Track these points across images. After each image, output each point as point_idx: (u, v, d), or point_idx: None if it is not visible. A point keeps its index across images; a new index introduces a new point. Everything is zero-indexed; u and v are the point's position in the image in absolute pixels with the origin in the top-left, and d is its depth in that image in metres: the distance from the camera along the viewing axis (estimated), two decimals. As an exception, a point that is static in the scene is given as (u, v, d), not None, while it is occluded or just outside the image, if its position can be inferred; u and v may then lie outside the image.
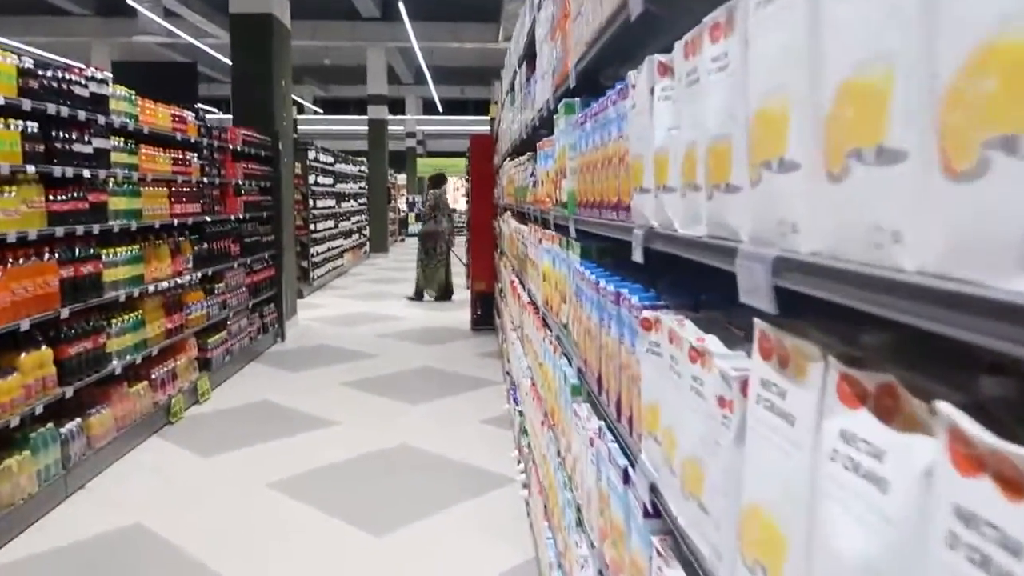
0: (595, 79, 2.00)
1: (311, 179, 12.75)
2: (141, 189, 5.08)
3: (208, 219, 6.34)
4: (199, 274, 6.13)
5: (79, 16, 17.51)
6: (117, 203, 4.75)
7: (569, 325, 2.05)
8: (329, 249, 14.06)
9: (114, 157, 4.73)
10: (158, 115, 5.42)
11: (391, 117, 22.82)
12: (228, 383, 6.68)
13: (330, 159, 14.57)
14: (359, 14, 17.99)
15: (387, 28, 18.70)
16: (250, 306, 7.55)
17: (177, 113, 5.77)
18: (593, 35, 1.50)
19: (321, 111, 29.67)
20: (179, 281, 5.71)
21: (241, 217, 7.26)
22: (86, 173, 4.35)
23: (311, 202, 12.68)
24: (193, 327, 6.01)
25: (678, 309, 1.15)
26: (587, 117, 1.66)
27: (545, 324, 2.64)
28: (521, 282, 3.98)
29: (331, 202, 14.30)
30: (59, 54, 19.05)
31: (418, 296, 11.58)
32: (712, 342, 0.91)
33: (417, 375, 7.07)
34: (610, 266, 1.80)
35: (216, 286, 6.58)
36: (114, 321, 4.72)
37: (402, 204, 29.13)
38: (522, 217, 4.32)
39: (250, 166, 7.64)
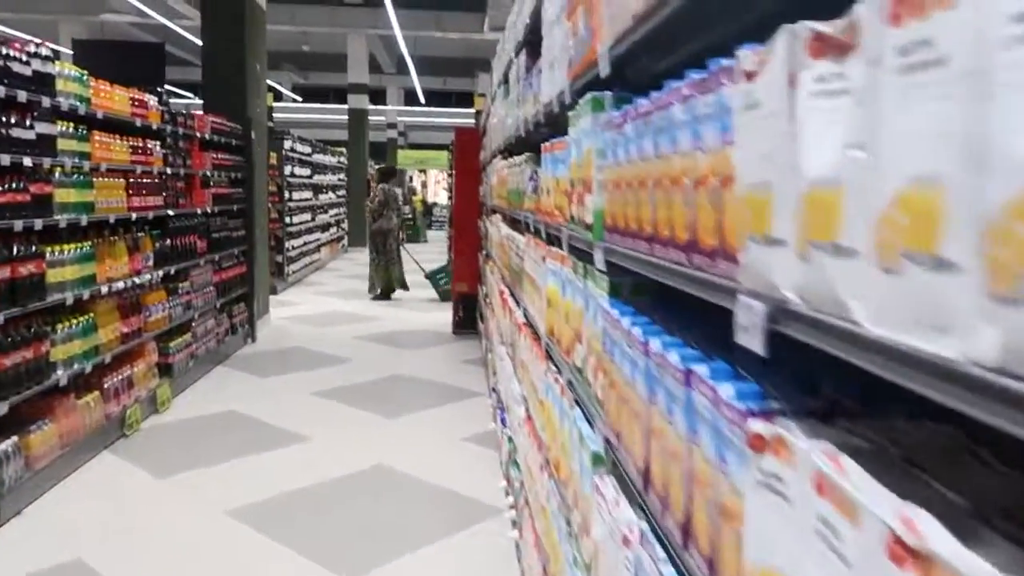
0: (622, 72, 1.60)
1: (287, 170, 12.24)
2: (93, 180, 4.61)
3: (171, 213, 5.86)
4: (160, 273, 5.66)
5: (46, -6, 16.82)
6: (64, 195, 4.27)
7: (587, 373, 1.65)
8: (305, 243, 13.56)
9: (61, 144, 4.25)
10: (114, 99, 4.94)
11: (372, 107, 22.27)
12: (192, 390, 6.22)
13: (307, 149, 14.06)
14: None
15: (369, 14, 18.17)
16: (218, 306, 7.08)
17: (137, 97, 5.28)
18: (648, 6, 1.10)
19: (300, 99, 28.99)
20: (137, 281, 5.24)
21: (209, 211, 6.78)
22: (27, 161, 3.87)
23: (287, 194, 12.18)
24: (153, 331, 5.54)
25: (801, 415, 0.75)
26: (630, 117, 1.26)
27: (549, 357, 2.25)
28: (514, 296, 3.58)
29: (308, 194, 13.79)
30: (27, 32, 18.33)
31: (384, 295, 11.15)
32: (924, 522, 0.51)
33: (395, 383, 6.64)
34: (644, 307, 1.40)
35: (180, 285, 6.11)
36: (60, 326, 4.26)
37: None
38: (515, 223, 3.92)
39: (220, 156, 7.16)
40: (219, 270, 7.15)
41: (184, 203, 6.18)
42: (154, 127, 5.57)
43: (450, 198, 13.28)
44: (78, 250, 4.41)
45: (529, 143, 3.39)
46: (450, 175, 13.51)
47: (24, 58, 3.90)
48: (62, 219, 4.24)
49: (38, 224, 3.98)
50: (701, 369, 0.90)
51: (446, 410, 5.83)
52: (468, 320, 8.84)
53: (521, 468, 3.02)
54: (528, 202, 2.85)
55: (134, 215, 5.18)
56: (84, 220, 4.47)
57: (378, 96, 28.26)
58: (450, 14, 18.06)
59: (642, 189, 1.18)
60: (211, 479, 4.40)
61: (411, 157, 31.88)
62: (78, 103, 4.43)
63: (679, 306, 1.46)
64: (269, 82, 24.43)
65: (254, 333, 8.14)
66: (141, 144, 5.35)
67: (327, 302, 10.98)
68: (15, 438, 3.84)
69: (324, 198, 15.67)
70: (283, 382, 6.59)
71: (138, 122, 5.27)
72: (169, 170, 5.81)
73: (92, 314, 4.64)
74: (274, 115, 20.74)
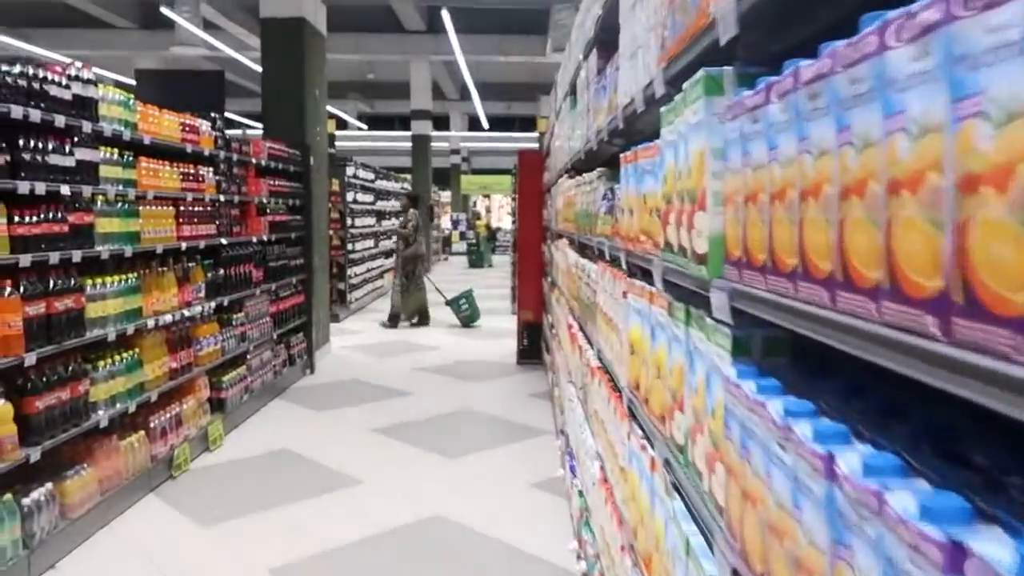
0: (733, 49, 1.18)
1: (350, 196, 12.12)
2: (140, 208, 4.39)
3: (225, 241, 5.64)
4: (213, 304, 5.43)
5: (122, 29, 17.35)
6: (107, 225, 4.05)
7: (694, 458, 1.22)
8: (368, 270, 13.40)
9: (104, 171, 4.04)
10: (163, 124, 4.74)
11: (435, 133, 22.25)
12: (246, 425, 5.96)
13: (370, 175, 13.95)
14: (403, 27, 17.48)
15: (432, 41, 18.14)
16: (275, 337, 6.84)
17: (188, 122, 5.09)
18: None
19: (365, 127, 29.30)
20: (187, 313, 5.00)
21: (265, 239, 6.57)
22: (65, 190, 3.65)
23: (349, 220, 12.03)
24: (204, 365, 5.30)
25: None
26: (777, 93, 0.83)
27: (632, 416, 1.81)
28: (584, 332, 3.15)
29: (371, 220, 13.66)
30: (102, 67, 18.94)
31: (393, 322, 10.80)
32: None
33: (456, 419, 6.26)
34: (781, 371, 0.97)
35: (234, 317, 5.87)
36: (100, 364, 4.01)
37: (446, 222, 28.55)
38: (584, 249, 3.50)
39: (277, 182, 6.96)
40: (276, 300, 6.92)
41: (239, 231, 5.97)
42: (206, 153, 5.37)
43: (514, 222, 12.95)
44: (122, 282, 4.19)
45: (599, 158, 2.98)
46: (514, 199, 13.19)
47: (63, 81, 3.70)
48: (104, 250, 4.01)
49: (76, 256, 3.75)
50: (990, 551, 0.46)
51: (510, 450, 5.41)
52: (533, 350, 8.43)
53: (596, 536, 2.57)
54: (602, 225, 2.43)
55: (184, 244, 4.96)
56: (129, 251, 4.24)
57: (442, 122, 28.35)
58: (512, 38, 17.89)
59: (811, 202, 0.75)
60: (257, 529, 4.07)
61: (474, 182, 31.85)
62: (123, 128, 4.22)
63: (815, 364, 1.02)
64: (335, 110, 24.80)
65: (313, 364, 7.89)
66: (192, 171, 5.15)
67: (389, 330, 10.72)
68: (49, 485, 3.58)
69: (387, 224, 15.54)
70: (340, 417, 6.28)
71: (189, 148, 5.07)
72: (222, 197, 5.60)
73: (137, 349, 4.40)
74: (339, 143, 20.92)
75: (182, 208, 4.97)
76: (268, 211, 6.70)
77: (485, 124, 28.20)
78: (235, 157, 5.90)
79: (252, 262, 6.19)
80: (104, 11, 16.21)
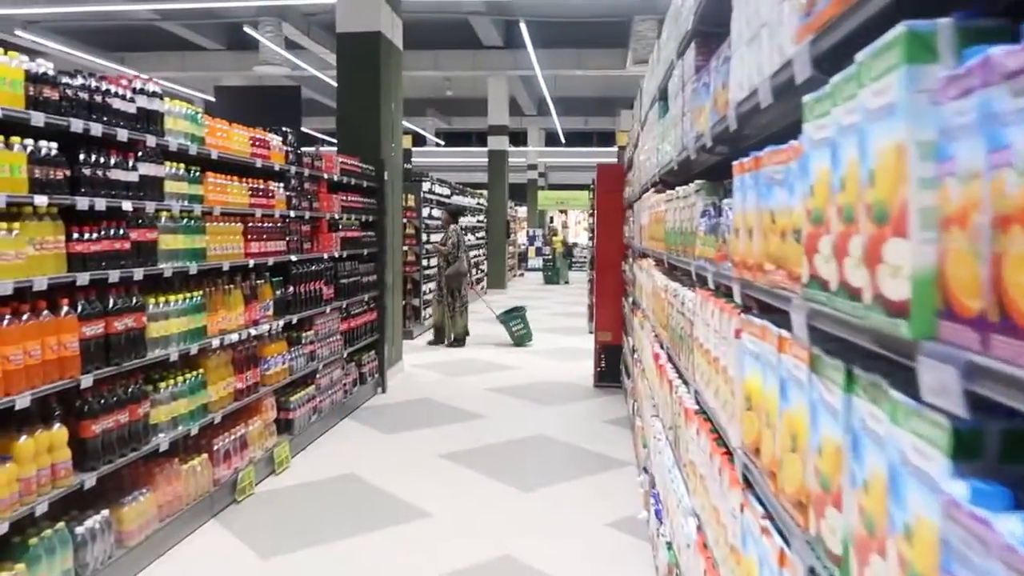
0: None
1: (425, 212, 12.00)
2: (206, 225, 4.25)
3: (295, 258, 5.50)
4: (281, 322, 5.27)
5: (210, 51, 17.88)
6: (171, 242, 3.92)
7: None
8: (442, 286, 13.23)
9: (169, 186, 3.91)
10: (232, 138, 4.62)
11: (512, 149, 22.12)
12: (314, 447, 5.78)
13: (446, 191, 13.84)
14: (481, 42, 17.42)
15: (509, 56, 18.01)
16: (346, 355, 6.68)
17: (258, 137, 4.96)
18: None
19: (443, 143, 29.47)
20: (254, 332, 4.85)
21: (337, 255, 6.42)
22: (127, 206, 3.52)
23: (424, 236, 11.91)
24: (271, 384, 5.14)
25: None
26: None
27: (747, 485, 1.46)
28: (673, 363, 2.79)
29: (446, 236, 13.50)
30: (190, 87, 19.57)
31: (440, 339, 10.48)
32: None
33: (530, 447, 5.93)
34: (1010, 481, 0.61)
35: (303, 335, 5.72)
36: (162, 385, 3.87)
37: (522, 238, 28.37)
38: (673, 271, 3.14)
39: (350, 198, 6.82)
40: (347, 317, 6.76)
41: (309, 247, 5.82)
42: (277, 168, 5.24)
43: (591, 239, 12.60)
44: (186, 301, 4.04)
45: (695, 169, 2.63)
46: (591, 215, 12.85)
47: (127, 94, 3.58)
48: (167, 268, 3.87)
49: (138, 274, 3.61)
50: None
51: (587, 484, 5.04)
52: (611, 372, 8.04)
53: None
54: (702, 247, 2.08)
55: (252, 261, 4.81)
56: (193, 268, 4.10)
57: (519, 138, 28.26)
58: (591, 51, 17.59)
59: None
60: (320, 564, 3.83)
61: (551, 197, 31.58)
62: (189, 143, 4.09)
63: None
64: (412, 126, 24.99)
65: (384, 383, 7.71)
66: (262, 186, 5.01)
67: (463, 348, 10.50)
68: (105, 512, 3.42)
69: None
70: (410, 440, 6.04)
71: (259, 163, 4.94)
72: (293, 213, 5.46)
73: (201, 370, 4.25)
74: (416, 159, 21.03)
75: (250, 224, 4.83)
76: (340, 227, 6.56)
77: (562, 139, 27.94)
78: (307, 172, 5.76)
79: (323, 279, 6.03)
80: (193, 33, 16.72)
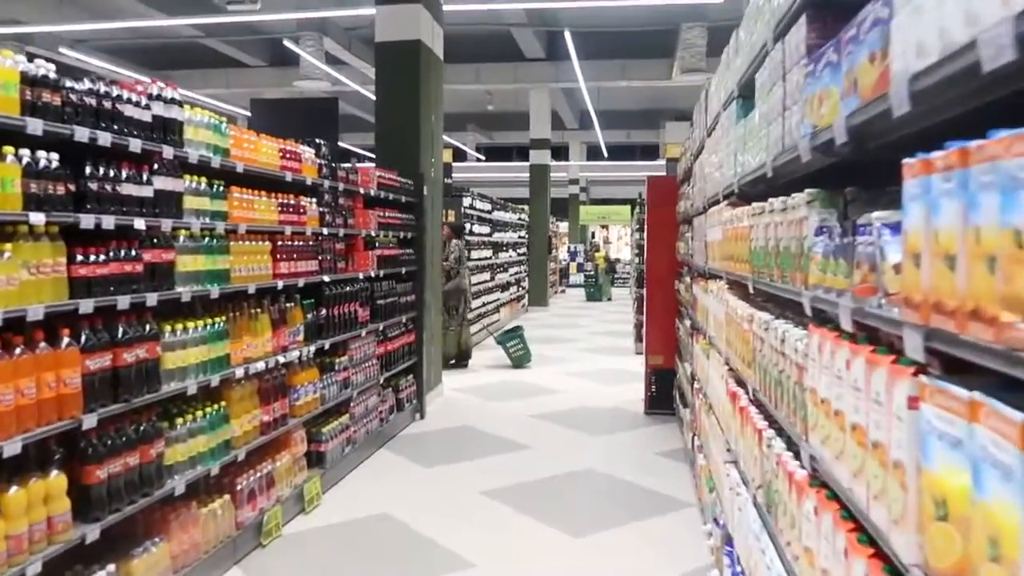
0: None
1: (465, 228, 11.63)
2: (230, 244, 3.91)
3: (327, 279, 5.14)
4: (313, 348, 4.91)
5: (252, 68, 17.89)
6: (190, 263, 3.57)
7: None
8: (484, 304, 12.87)
9: (188, 202, 3.57)
10: (260, 150, 4.28)
11: (554, 163, 21.74)
12: (347, 481, 5.39)
13: (487, 206, 13.48)
14: (523, 55, 17.11)
15: (551, 68, 17.67)
16: (382, 381, 6.30)
17: (288, 149, 4.62)
18: None
19: (483, 158, 29.23)
20: (283, 359, 4.49)
21: (373, 275, 6.06)
22: (139, 223, 3.18)
23: (465, 253, 11.53)
24: (301, 416, 4.78)
25: None
26: None
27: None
28: (761, 408, 2.33)
29: (487, 252, 13.15)
30: (232, 103, 19.61)
31: (459, 362, 10.06)
32: None
33: (578, 483, 5.46)
34: None
35: (337, 361, 5.35)
36: (179, 422, 3.51)
37: (563, 253, 27.93)
38: (743, 290, 2.68)
39: (388, 214, 6.47)
40: (384, 340, 6.39)
41: (343, 267, 5.46)
42: (309, 183, 4.90)
43: (637, 254, 12.11)
44: (206, 327, 3.69)
45: (786, 178, 2.17)
46: (637, 230, 12.36)
47: (142, 101, 3.25)
48: (186, 292, 3.52)
49: (152, 299, 3.26)
50: None
51: (644, 529, 4.56)
52: (663, 398, 7.54)
53: None
54: (821, 273, 1.63)
55: (281, 283, 4.46)
56: (215, 292, 3.75)
57: (561, 153, 27.88)
58: (635, 62, 17.15)
59: None
60: (346, 623, 3.43)
61: (593, 212, 31.14)
62: (211, 154, 3.76)
63: None
64: (453, 141, 24.77)
65: (423, 408, 7.32)
66: (293, 202, 4.67)
67: (505, 369, 10.08)
68: (111, 567, 3.06)
69: (504, 256, 15.02)
70: (449, 475, 5.62)
71: (289, 176, 4.60)
72: (326, 230, 5.11)
73: (223, 403, 3.89)
74: (457, 175, 20.76)
75: (280, 243, 4.48)
76: (377, 245, 6.20)
77: (605, 153, 27.48)
78: (341, 187, 5.42)
79: (358, 300, 5.67)
80: (236, 50, 16.75)
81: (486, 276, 13.12)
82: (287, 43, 13.20)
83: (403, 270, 6.85)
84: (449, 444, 6.48)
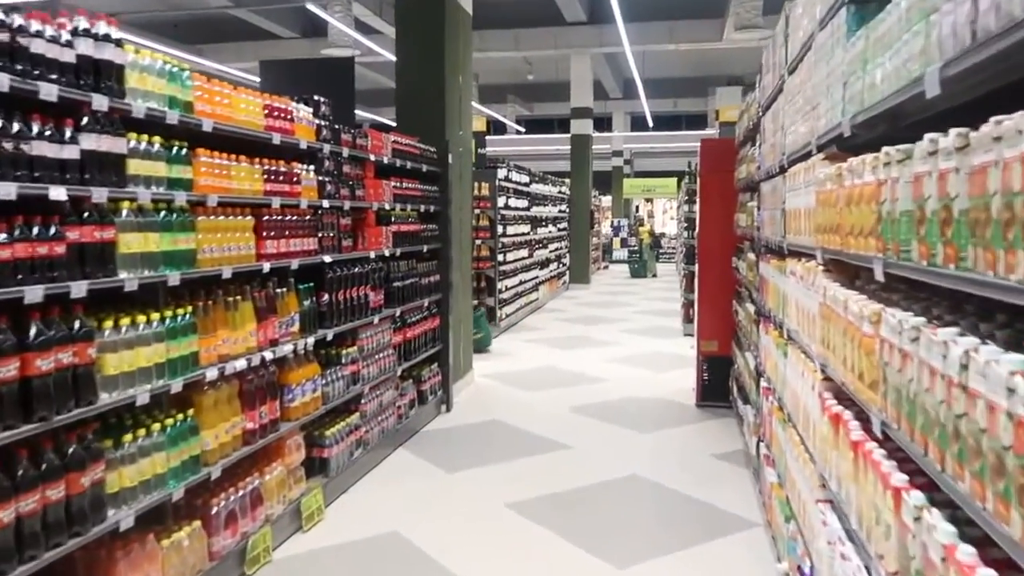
0: None
1: (501, 201, 10.87)
2: (196, 219, 3.21)
3: (329, 259, 4.44)
4: (311, 339, 4.22)
5: (285, 39, 17.32)
6: (138, 243, 2.88)
7: None
8: (521, 283, 12.12)
9: (135, 167, 2.88)
10: (237, 105, 3.56)
11: (596, 134, 20.76)
12: (356, 490, 4.73)
13: (525, 178, 12.67)
14: (564, 19, 16.15)
15: (594, 32, 16.69)
16: (400, 372, 5.61)
17: (276, 105, 3.90)
18: None
19: (524, 131, 28.32)
20: (272, 354, 3.81)
21: (388, 253, 5.35)
22: (57, 193, 2.49)
23: (500, 228, 10.79)
24: (298, 419, 4.10)
25: None
26: None
27: None
28: (885, 444, 1.55)
29: (525, 228, 12.37)
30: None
31: None
32: None
33: (622, 494, 4.71)
34: None
35: (343, 352, 4.66)
36: (125, 439, 2.84)
37: (606, 228, 26.98)
38: (846, 274, 1.88)
39: (405, 184, 5.74)
40: (403, 327, 5.69)
41: (350, 245, 4.75)
42: (304, 146, 4.18)
43: (686, 228, 11.21)
44: (164, 321, 3.01)
45: (922, 115, 1.37)
46: (687, 202, 11.44)
47: (62, 36, 2.55)
48: (131, 278, 2.84)
49: (78, 289, 2.58)
50: None
51: (701, 557, 3.80)
52: (717, 389, 6.73)
53: None
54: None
55: (267, 265, 3.76)
56: (175, 278, 3.06)
57: (603, 124, 26.84)
58: (683, 23, 16.09)
59: None
60: None
61: (637, 185, 30.05)
62: (166, 108, 3.05)
63: None
64: (492, 113, 23.92)
65: (449, 400, 6.63)
66: (284, 169, 3.96)
67: (543, 353, 9.34)
68: (28, 627, 2.41)
69: (543, 232, 14.22)
70: (473, 481, 4.92)
71: (277, 139, 3.88)
72: (327, 203, 4.39)
73: (191, 411, 3.22)
74: (496, 147, 19.94)
75: (266, 218, 3.78)
76: (392, 219, 5.48)
77: (650, 122, 26.34)
78: (346, 152, 4.69)
79: (369, 283, 4.96)
80: (268, 22, 16.19)
81: (523, 253, 12.35)
82: (311, 7, 12.48)
83: (425, 248, 6.12)
84: (476, 443, 5.77)
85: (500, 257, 10.75)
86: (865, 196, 1.75)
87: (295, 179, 4.06)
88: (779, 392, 3.44)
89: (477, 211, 10.22)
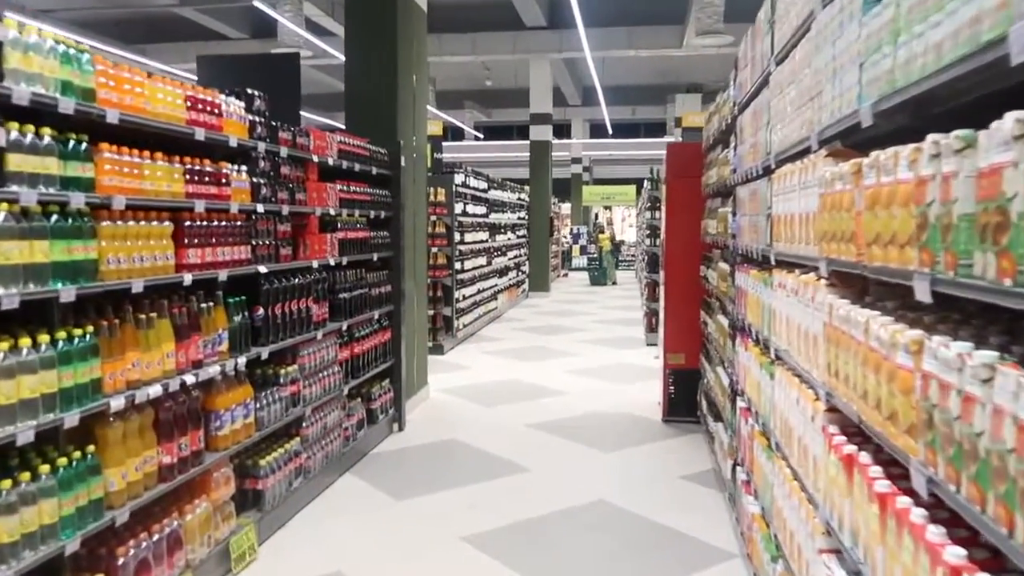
0: None
1: (458, 208, 10.47)
2: (98, 225, 2.76)
3: (264, 269, 4.00)
4: (243, 359, 3.78)
5: (234, 40, 16.70)
6: (17, 252, 2.42)
7: None
8: (479, 291, 11.73)
9: (14, 163, 2.42)
10: (152, 96, 3.12)
11: (556, 141, 20.48)
12: (295, 523, 4.28)
13: (483, 184, 12.29)
14: (523, 23, 15.85)
15: (554, 37, 16.43)
16: (347, 391, 5.17)
17: (199, 97, 3.46)
18: None
19: (482, 137, 27.98)
20: (193, 379, 3.36)
21: (333, 263, 4.92)
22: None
23: (457, 236, 10.38)
24: (227, 448, 3.65)
25: None
26: None
27: None
28: (912, 492, 1.20)
29: (483, 235, 11.98)
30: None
31: None
32: None
33: (587, 523, 4.34)
34: None
35: (282, 372, 4.22)
36: (2, 487, 2.38)
37: (566, 235, 26.72)
38: (852, 289, 1.55)
39: (353, 188, 5.32)
40: (350, 342, 5.26)
41: (289, 254, 4.32)
42: (233, 143, 3.74)
43: (648, 235, 10.95)
44: (53, 345, 2.55)
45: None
46: (648, 208, 11.19)
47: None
48: (11, 294, 2.38)
49: (-63, 308, 2.12)
50: None
51: (677, 599, 3.45)
52: (683, 403, 6.43)
53: None
54: None
55: (189, 277, 3.32)
56: (70, 292, 2.61)
57: (563, 131, 26.61)
58: (644, 29, 15.91)
59: None
60: None
61: (596, 193, 29.90)
62: (58, 94, 2.60)
63: None
64: (450, 118, 23.50)
65: (402, 418, 6.20)
66: (210, 168, 3.52)
67: (502, 365, 8.96)
68: None
69: (502, 239, 13.85)
70: (425, 510, 4.50)
71: (201, 134, 3.44)
72: (262, 207, 3.96)
73: (91, 447, 2.76)
74: (453, 154, 19.53)
75: (189, 224, 3.34)
76: (339, 226, 5.05)
77: (610, 129, 26.21)
78: (284, 152, 4.26)
79: (311, 295, 4.53)
80: (216, 22, 15.59)
81: (482, 260, 11.96)
82: (260, 5, 11.96)
83: (375, 256, 5.70)
84: (430, 465, 5.36)
85: (457, 265, 10.35)
86: (899, 197, 1.41)
87: (224, 180, 3.62)
88: (763, 416, 3.11)
89: (433, 218, 9.82)
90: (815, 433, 2.15)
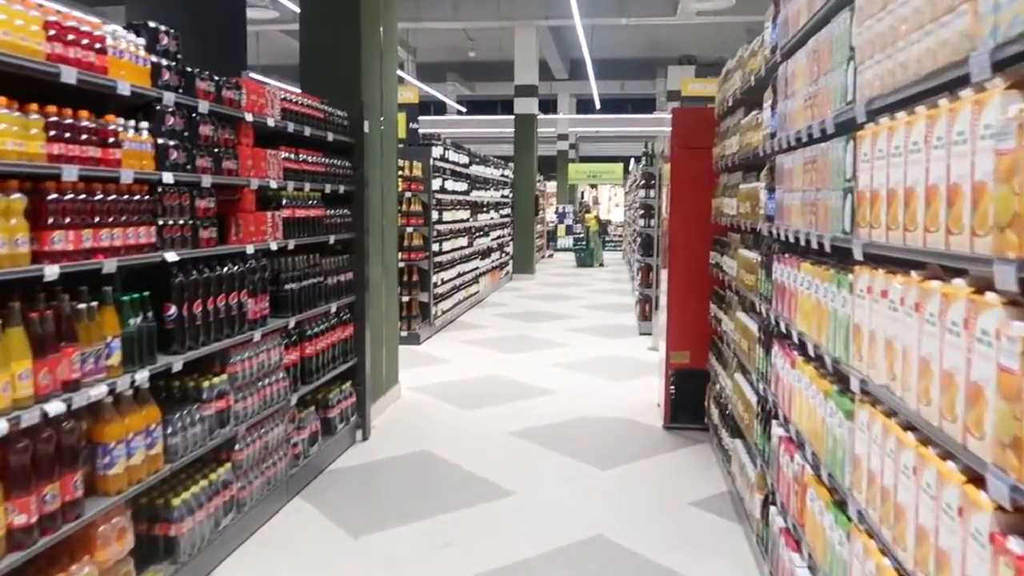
0: None
1: (436, 184, 9.58)
2: None
3: (173, 256, 3.13)
4: (144, 373, 2.92)
5: None
6: None
7: None
8: (459, 275, 10.88)
9: None
10: (-16, 15, 2.23)
11: (542, 116, 19.52)
12: (223, 572, 3.45)
13: (464, 159, 11.40)
14: (508, -14, 14.91)
15: (540, 3, 15.46)
16: (295, 400, 4.33)
17: (69, 25, 2.57)
18: None
19: (465, 111, 26.96)
20: (62, 406, 2.50)
21: (275, 247, 4.05)
22: None
23: (435, 215, 9.50)
24: (120, 491, 2.80)
25: None
26: None
27: None
28: None
29: (464, 214, 11.10)
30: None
31: None
32: None
33: (587, 568, 3.54)
34: None
35: (205, 385, 3.37)
36: None
37: (550, 214, 25.83)
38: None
39: (303, 157, 4.44)
40: (300, 342, 4.41)
41: (213, 237, 3.45)
42: (127, 91, 2.85)
43: (642, 215, 10.12)
44: None
45: None
46: (643, 186, 10.35)
47: None
48: None
49: None
50: None
51: None
52: (688, 407, 5.65)
53: None
54: None
55: (52, 269, 2.45)
56: None
57: (548, 106, 25.63)
58: (635, -2, 14.99)
59: None
60: None
61: (583, 171, 28.97)
62: None
63: None
64: (433, 91, 22.44)
65: (366, 426, 5.37)
66: (88, 124, 2.63)
67: (483, 358, 8.13)
68: None
69: (484, 218, 12.98)
70: (388, 551, 3.69)
71: (70, 75, 2.55)
72: (170, 176, 3.08)
73: None
74: (434, 128, 18.53)
75: (53, 197, 2.46)
76: (284, 202, 4.18)
77: (598, 104, 25.27)
78: (205, 107, 3.37)
79: (245, 287, 3.67)
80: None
81: (462, 241, 11.09)
82: (220, -40, 10.88)
83: (332, 238, 4.83)
84: (396, 486, 4.55)
85: (435, 247, 9.47)
86: None
87: (111, 139, 2.74)
88: (826, 463, 2.30)
89: (408, 194, 8.93)
90: (968, 539, 1.33)
